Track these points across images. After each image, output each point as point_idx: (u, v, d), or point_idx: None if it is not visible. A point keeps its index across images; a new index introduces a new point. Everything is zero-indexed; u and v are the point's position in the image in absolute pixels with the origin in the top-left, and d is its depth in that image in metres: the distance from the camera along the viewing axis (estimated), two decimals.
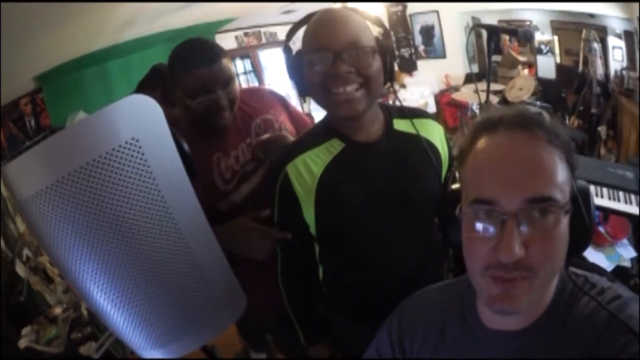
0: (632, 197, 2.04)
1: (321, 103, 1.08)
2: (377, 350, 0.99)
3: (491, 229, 0.68)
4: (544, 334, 0.74)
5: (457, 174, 0.83)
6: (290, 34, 1.12)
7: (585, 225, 0.71)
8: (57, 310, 2.66)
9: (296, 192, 1.11)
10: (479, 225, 0.69)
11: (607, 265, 1.90)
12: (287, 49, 1.11)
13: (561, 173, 0.68)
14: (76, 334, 2.48)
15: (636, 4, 3.25)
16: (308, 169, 1.10)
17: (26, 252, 2.88)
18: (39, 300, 2.73)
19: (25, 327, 2.53)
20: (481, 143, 0.72)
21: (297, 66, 1.07)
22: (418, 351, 0.90)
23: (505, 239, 0.65)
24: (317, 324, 1.32)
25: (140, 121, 0.96)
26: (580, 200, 0.71)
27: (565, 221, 0.68)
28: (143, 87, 1.77)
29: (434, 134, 1.20)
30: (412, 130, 1.16)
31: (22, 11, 2.08)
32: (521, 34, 1.81)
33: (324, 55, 1.00)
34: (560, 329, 0.73)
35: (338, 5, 1.10)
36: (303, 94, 1.12)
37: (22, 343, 2.41)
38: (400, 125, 1.17)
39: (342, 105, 1.03)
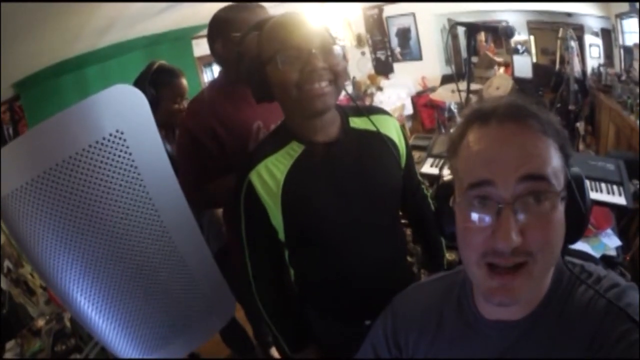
0: (615, 187, 2.08)
1: (291, 101, 1.07)
2: (373, 347, 0.97)
3: (487, 219, 0.67)
4: (542, 323, 0.73)
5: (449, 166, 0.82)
6: (242, 40, 1.15)
7: (581, 212, 0.70)
8: (41, 323, 2.60)
9: (262, 199, 1.11)
10: (474, 215, 0.68)
11: (594, 255, 1.92)
12: (241, 55, 1.13)
13: (555, 160, 0.67)
14: (60, 346, 2.41)
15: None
16: (271, 174, 1.10)
17: (7, 264, 2.80)
18: (22, 313, 2.66)
19: (9, 341, 2.46)
20: (473, 134, 0.71)
21: (258, 70, 1.08)
22: (414, 346, 0.89)
23: (502, 226, 0.64)
24: (297, 331, 1.30)
25: (125, 113, 0.93)
26: (574, 187, 0.70)
27: (561, 208, 0.67)
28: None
29: (390, 128, 1.23)
30: (368, 127, 1.18)
31: None
32: (501, 30, 1.83)
33: (299, 53, 1.02)
34: (559, 318, 0.72)
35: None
36: (263, 98, 1.13)
37: (7, 357, 2.35)
38: (357, 123, 1.19)
39: (316, 100, 1.05)
